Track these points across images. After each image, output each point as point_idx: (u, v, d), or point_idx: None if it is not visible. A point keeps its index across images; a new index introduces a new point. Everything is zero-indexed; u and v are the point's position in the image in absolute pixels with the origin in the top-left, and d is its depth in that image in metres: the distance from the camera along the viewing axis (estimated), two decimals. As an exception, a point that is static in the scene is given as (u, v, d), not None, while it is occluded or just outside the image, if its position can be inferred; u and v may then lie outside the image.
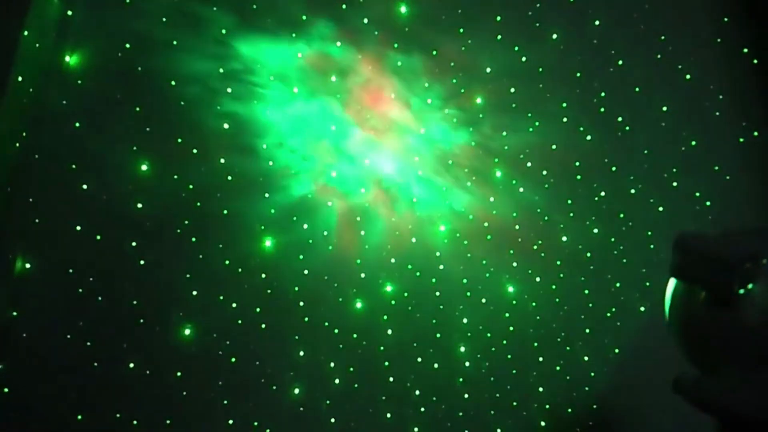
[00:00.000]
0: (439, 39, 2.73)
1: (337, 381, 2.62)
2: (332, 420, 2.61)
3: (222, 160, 2.55)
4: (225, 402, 2.53)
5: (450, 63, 2.73)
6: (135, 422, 2.44)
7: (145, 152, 2.49)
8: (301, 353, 2.60)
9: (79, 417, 2.40)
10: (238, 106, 2.57)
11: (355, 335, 2.64)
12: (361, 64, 2.69)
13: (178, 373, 2.49)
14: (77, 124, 2.44)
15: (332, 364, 2.62)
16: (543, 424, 2.74)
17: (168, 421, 2.48)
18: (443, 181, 2.74)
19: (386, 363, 2.66)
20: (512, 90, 2.77)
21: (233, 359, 2.54)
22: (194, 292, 2.52)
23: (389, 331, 2.66)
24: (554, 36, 2.78)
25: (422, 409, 2.68)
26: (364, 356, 2.64)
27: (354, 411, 2.63)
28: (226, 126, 2.55)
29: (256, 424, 2.56)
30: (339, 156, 2.68)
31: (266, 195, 2.59)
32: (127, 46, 2.48)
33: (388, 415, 2.65)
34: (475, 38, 2.75)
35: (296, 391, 2.59)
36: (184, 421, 2.49)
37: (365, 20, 2.66)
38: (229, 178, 2.56)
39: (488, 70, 2.75)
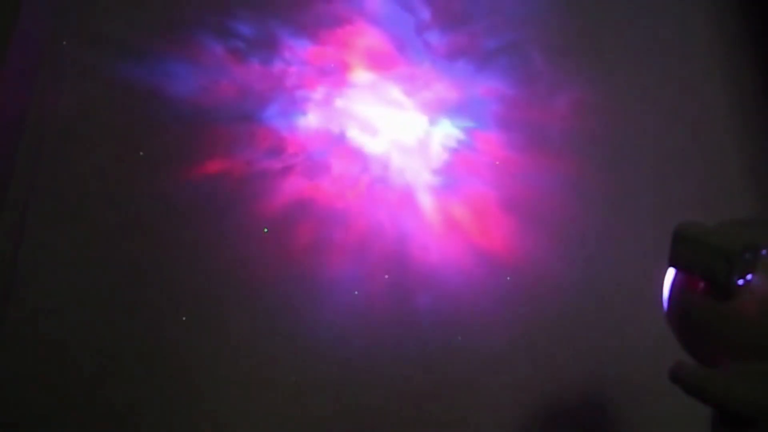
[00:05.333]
0: (434, 19, 2.72)
1: (333, 370, 2.62)
2: (328, 409, 2.60)
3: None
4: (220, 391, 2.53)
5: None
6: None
7: (140, 145, 2.47)
8: (298, 341, 2.60)
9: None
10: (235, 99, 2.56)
11: (351, 324, 2.63)
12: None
13: (173, 364, 2.48)
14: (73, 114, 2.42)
15: (328, 353, 2.62)
16: (539, 413, 2.74)
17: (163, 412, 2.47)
18: (439, 171, 2.73)
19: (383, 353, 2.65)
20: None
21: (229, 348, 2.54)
22: (191, 287, 2.51)
23: (386, 320, 2.65)
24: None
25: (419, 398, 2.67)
26: (361, 345, 2.63)
27: (349, 402, 2.62)
28: (222, 121, 2.54)
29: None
30: (336, 155, 2.66)
31: (262, 193, 2.58)
32: (125, 37, 2.47)
33: (384, 406, 2.64)
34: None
35: (292, 379, 2.58)
36: (178, 412, 2.48)
37: None
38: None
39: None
